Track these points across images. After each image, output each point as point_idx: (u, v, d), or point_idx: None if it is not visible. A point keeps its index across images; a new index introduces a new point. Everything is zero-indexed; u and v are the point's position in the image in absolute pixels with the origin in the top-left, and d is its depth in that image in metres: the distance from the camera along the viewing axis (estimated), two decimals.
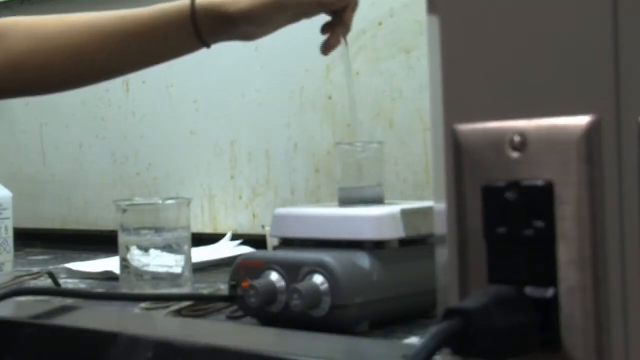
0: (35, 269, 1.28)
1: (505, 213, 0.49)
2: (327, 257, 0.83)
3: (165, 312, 0.94)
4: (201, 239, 1.36)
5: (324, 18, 1.02)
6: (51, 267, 1.28)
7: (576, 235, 0.47)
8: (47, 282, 1.15)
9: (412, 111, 1.29)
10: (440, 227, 0.52)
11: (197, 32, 0.98)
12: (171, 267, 1.06)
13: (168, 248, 1.06)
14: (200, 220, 1.51)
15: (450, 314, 0.46)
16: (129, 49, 1.00)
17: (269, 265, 0.86)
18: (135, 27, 1.00)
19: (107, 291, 1.12)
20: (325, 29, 1.01)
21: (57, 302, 0.96)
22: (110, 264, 1.23)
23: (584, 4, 0.47)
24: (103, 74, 1.05)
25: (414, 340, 0.80)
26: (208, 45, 1.01)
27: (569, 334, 0.47)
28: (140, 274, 1.06)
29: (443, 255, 0.52)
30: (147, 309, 0.97)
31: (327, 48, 1.01)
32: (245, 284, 0.86)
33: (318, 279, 0.82)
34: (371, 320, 0.84)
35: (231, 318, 0.91)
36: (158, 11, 1.00)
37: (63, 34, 1.00)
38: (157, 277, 1.06)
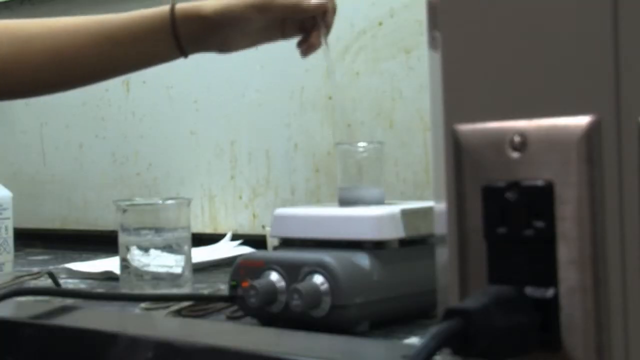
0: (35, 269, 1.28)
1: (505, 213, 0.49)
2: (327, 257, 0.83)
3: (165, 312, 0.94)
4: (201, 239, 1.36)
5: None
6: (51, 267, 1.28)
7: (576, 235, 0.47)
8: (47, 282, 1.15)
9: (412, 111, 1.28)
10: (440, 227, 0.52)
11: (175, 36, 0.98)
12: (171, 267, 1.06)
13: (168, 248, 1.06)
14: (200, 220, 1.51)
15: (450, 314, 0.46)
16: (109, 53, 1.00)
17: (269, 265, 0.86)
18: (116, 31, 0.99)
19: (107, 291, 1.12)
20: (300, 42, 1.01)
21: (57, 302, 0.96)
22: (110, 264, 1.23)
23: (584, 4, 0.47)
24: (85, 77, 1.04)
25: (414, 340, 0.80)
26: (185, 54, 1.00)
27: (569, 334, 0.47)
28: (140, 274, 1.06)
29: (443, 255, 0.52)
30: (147, 309, 0.97)
31: (308, 48, 1.01)
32: (245, 284, 0.86)
33: (318, 279, 0.82)
34: (371, 320, 0.84)
35: (231, 318, 0.91)
36: (139, 15, 1.00)
37: (44, 37, 1.00)
38: (157, 277, 1.06)
